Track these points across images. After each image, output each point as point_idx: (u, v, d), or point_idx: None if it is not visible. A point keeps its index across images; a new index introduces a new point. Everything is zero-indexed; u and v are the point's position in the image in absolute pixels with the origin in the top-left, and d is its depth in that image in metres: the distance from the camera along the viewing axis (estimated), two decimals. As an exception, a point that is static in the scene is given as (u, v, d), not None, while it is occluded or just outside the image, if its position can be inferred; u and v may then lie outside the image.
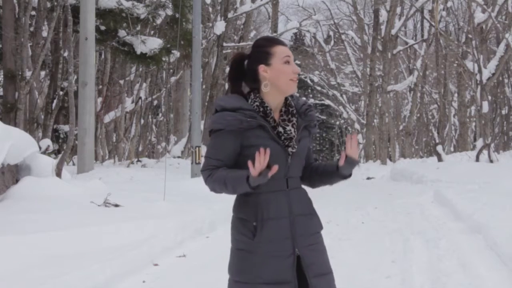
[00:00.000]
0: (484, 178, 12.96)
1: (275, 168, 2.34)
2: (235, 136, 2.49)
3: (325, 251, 2.64)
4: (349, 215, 9.50)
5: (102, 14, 14.35)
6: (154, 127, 28.33)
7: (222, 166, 2.52)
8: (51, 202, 7.22)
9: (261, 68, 2.54)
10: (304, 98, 2.73)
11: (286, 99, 2.61)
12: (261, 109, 2.54)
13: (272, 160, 2.41)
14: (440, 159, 19.64)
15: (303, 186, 2.71)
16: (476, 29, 24.57)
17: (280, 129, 2.54)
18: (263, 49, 2.55)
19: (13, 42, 13.08)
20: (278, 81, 2.53)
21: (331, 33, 39.60)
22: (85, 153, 12.74)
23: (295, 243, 2.52)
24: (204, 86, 22.38)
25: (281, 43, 2.58)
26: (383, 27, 29.82)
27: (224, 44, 22.95)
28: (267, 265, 2.50)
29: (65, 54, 15.01)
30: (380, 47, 30.10)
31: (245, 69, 2.60)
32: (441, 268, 5.65)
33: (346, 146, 2.56)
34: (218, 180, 2.48)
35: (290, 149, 2.54)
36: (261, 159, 2.30)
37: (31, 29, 14.71)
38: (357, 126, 37.94)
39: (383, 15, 30.41)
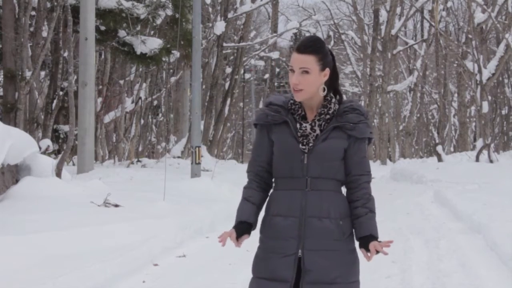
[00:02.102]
0: (484, 178, 12.96)
1: (243, 238, 2.57)
2: (265, 131, 2.62)
3: (342, 260, 2.51)
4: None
5: (102, 14, 14.33)
6: (154, 127, 28.30)
7: (259, 164, 2.64)
8: (51, 202, 7.22)
9: None
10: (353, 102, 2.62)
11: (325, 99, 2.59)
12: (293, 106, 2.60)
13: (288, 157, 2.54)
14: (440, 159, 19.63)
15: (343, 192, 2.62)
16: (476, 29, 24.55)
17: (298, 125, 2.56)
18: None
19: (13, 42, 13.07)
20: None
21: (331, 33, 39.59)
22: (85, 153, 12.73)
23: (300, 244, 2.50)
24: (204, 86, 22.36)
25: (296, 48, 2.55)
26: (383, 27, 29.82)
27: (224, 44, 22.94)
28: (267, 260, 2.55)
29: (65, 54, 14.99)
30: (380, 47, 30.10)
31: None
32: (441, 268, 5.65)
33: (375, 250, 2.48)
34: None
35: (300, 146, 2.53)
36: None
37: (31, 29, 14.70)
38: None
39: (383, 15, 30.41)
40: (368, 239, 2.50)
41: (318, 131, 2.54)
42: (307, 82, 2.51)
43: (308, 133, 2.54)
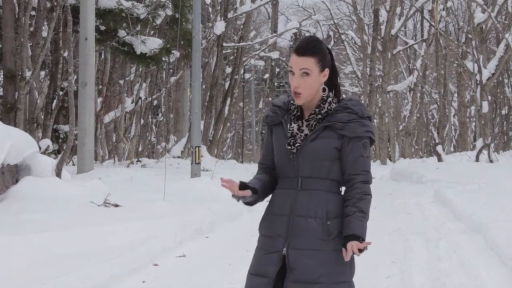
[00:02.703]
0: (484, 178, 12.96)
1: (245, 193, 2.54)
2: (269, 131, 2.69)
3: (326, 260, 2.50)
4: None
5: (102, 14, 14.32)
6: (154, 127, 28.30)
7: (265, 163, 2.71)
8: (51, 202, 7.22)
9: None
10: (350, 101, 2.60)
11: (321, 99, 2.59)
12: (291, 106, 2.64)
13: (281, 157, 2.60)
14: (440, 159, 19.63)
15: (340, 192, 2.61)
16: (476, 29, 24.55)
17: (288, 126, 2.59)
18: None
19: (13, 42, 13.07)
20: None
21: (331, 33, 39.57)
22: (85, 153, 12.73)
23: (286, 243, 2.53)
24: (204, 86, 22.35)
25: (295, 50, 2.54)
26: (383, 27, 29.82)
27: (224, 44, 22.93)
28: (256, 256, 2.63)
29: (65, 54, 14.99)
30: (380, 47, 30.10)
31: None
32: (441, 268, 5.65)
33: (351, 250, 2.48)
34: None
35: (287, 146, 2.56)
36: (227, 187, 2.53)
37: (31, 29, 14.70)
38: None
39: (383, 15, 30.42)
40: (349, 238, 2.48)
41: (306, 131, 2.56)
42: (307, 84, 2.52)
43: (295, 134, 2.56)
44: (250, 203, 2.63)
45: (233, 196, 2.55)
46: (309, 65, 2.50)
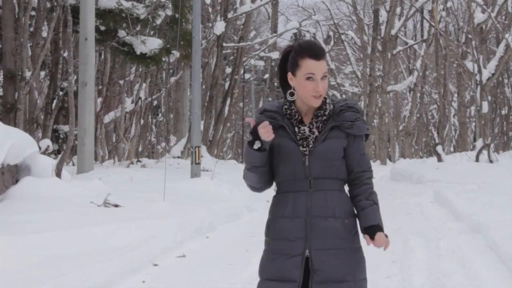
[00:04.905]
0: (483, 178, 12.97)
1: (266, 127, 2.46)
2: None
3: (350, 259, 2.55)
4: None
5: (102, 14, 14.32)
6: (154, 127, 28.30)
7: None
8: (51, 202, 7.22)
9: (289, 75, 2.61)
10: (348, 100, 2.65)
11: (322, 102, 2.61)
12: (288, 111, 2.62)
13: (289, 160, 2.57)
14: (440, 159, 19.62)
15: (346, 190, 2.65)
16: (476, 29, 24.55)
17: (296, 129, 2.58)
18: (294, 57, 2.58)
19: (13, 42, 13.08)
20: (300, 93, 2.58)
21: (331, 33, 39.58)
22: (85, 153, 12.72)
23: (307, 244, 2.53)
24: (204, 86, 22.36)
25: (311, 55, 2.53)
26: (383, 27, 29.85)
27: (224, 44, 22.93)
28: (273, 261, 2.58)
29: (65, 54, 15.00)
30: (380, 47, 30.11)
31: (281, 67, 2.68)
32: (441, 268, 5.65)
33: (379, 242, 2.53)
34: (244, 168, 2.67)
35: (301, 148, 2.56)
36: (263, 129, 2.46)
37: (31, 29, 14.71)
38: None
39: (383, 15, 30.44)
40: (375, 228, 2.55)
41: (316, 133, 2.58)
42: (326, 87, 2.57)
43: (307, 136, 2.57)
44: (261, 165, 2.58)
45: (253, 141, 2.52)
46: (326, 67, 2.57)
